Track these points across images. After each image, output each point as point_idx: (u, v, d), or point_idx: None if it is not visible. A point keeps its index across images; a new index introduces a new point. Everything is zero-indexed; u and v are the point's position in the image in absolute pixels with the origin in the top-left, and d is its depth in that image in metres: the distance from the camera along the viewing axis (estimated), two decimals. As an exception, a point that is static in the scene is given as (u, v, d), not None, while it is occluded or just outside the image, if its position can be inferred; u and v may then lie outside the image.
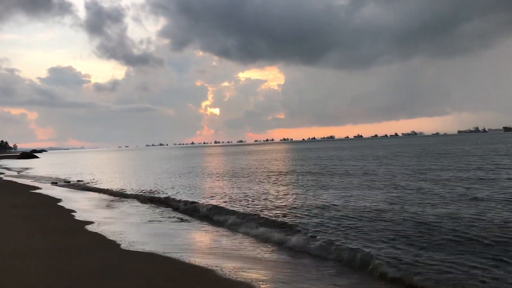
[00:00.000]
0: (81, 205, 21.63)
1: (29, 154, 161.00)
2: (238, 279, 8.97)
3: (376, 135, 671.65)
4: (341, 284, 8.67)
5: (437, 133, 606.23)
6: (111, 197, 25.35)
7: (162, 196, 24.03)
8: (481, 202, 16.23)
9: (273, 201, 19.62)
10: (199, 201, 20.43)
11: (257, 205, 18.79)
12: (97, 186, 33.27)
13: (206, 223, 16.23)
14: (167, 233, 14.43)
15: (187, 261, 10.48)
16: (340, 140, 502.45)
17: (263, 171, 39.66)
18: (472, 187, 20.71)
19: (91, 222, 16.21)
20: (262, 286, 8.53)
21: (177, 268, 9.93)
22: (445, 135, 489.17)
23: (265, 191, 23.63)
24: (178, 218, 17.38)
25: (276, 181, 29.39)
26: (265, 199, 20.39)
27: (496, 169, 28.92)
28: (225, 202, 20.14)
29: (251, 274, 9.29)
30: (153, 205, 21.48)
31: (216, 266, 9.92)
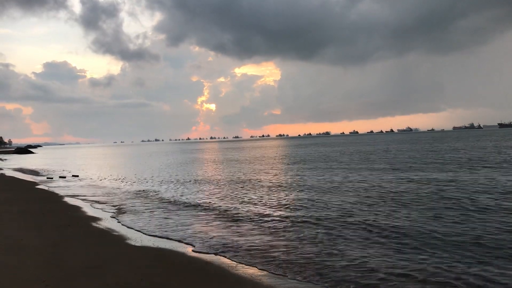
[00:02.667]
0: (80, 201, 21.79)
1: (24, 150, 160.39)
2: (235, 271, 9.23)
3: (371, 131, 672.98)
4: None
5: (432, 129, 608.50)
6: (109, 192, 25.45)
7: (155, 193, 24.40)
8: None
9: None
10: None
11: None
12: (94, 181, 33.39)
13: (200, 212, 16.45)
14: (166, 229, 14.60)
15: (184, 254, 10.71)
16: (335, 136, 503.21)
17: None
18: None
19: (90, 218, 16.37)
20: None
21: (174, 261, 10.10)
22: (442, 131, 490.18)
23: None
24: (175, 214, 17.57)
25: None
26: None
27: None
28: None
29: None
30: (149, 201, 21.65)
31: (211, 261, 10.16)
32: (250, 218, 15.41)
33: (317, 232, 12.66)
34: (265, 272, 9.39)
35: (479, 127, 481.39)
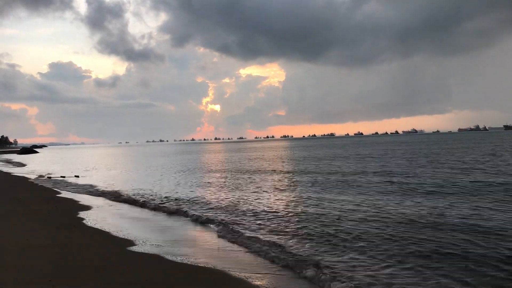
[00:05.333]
0: (85, 201, 21.94)
1: (30, 150, 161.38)
2: (236, 275, 9.38)
3: (376, 133, 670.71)
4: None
5: (438, 131, 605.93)
6: (115, 192, 25.58)
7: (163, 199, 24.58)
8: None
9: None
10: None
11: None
12: (100, 182, 33.59)
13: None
14: (165, 232, 14.77)
15: (184, 259, 10.84)
16: (340, 137, 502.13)
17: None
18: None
19: (96, 218, 16.57)
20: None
21: (175, 265, 10.24)
22: (449, 133, 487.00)
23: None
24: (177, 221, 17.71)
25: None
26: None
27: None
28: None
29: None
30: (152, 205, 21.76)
31: (211, 264, 10.31)
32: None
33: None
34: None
35: (485, 129, 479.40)
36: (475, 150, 57.24)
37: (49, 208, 19.38)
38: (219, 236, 13.56)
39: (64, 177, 39.01)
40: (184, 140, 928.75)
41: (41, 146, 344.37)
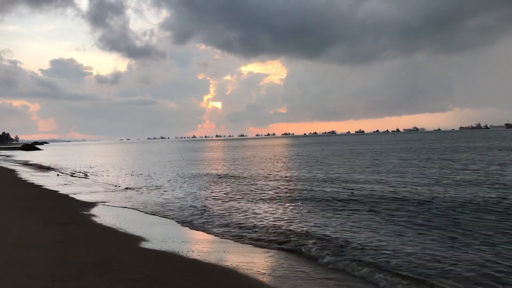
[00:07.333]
0: (87, 198, 21.90)
1: (31, 146, 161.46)
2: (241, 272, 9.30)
3: (377, 131, 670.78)
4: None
5: (439, 129, 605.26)
6: (116, 189, 25.60)
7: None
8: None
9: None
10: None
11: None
12: (103, 179, 33.62)
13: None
14: (170, 230, 14.71)
15: (186, 255, 10.76)
16: (341, 135, 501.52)
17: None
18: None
19: (97, 215, 16.49)
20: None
21: (177, 261, 10.16)
22: (452, 131, 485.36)
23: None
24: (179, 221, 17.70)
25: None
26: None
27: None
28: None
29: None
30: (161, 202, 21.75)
31: (217, 260, 10.24)
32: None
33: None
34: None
35: (486, 127, 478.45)
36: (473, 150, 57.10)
37: (51, 204, 19.26)
38: (225, 233, 13.51)
39: (67, 174, 39.04)
40: (185, 137, 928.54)
41: (42, 143, 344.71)
